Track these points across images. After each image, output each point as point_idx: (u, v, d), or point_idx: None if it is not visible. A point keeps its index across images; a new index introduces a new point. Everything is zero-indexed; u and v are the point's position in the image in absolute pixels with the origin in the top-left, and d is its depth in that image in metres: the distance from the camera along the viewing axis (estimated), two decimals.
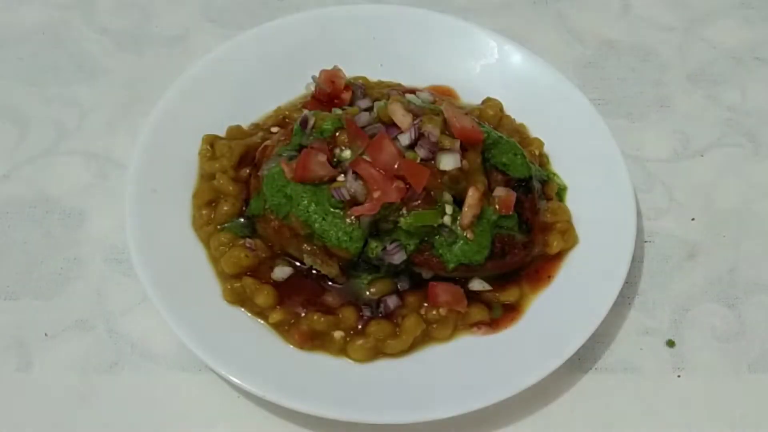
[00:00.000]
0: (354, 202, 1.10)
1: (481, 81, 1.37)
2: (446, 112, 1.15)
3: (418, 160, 1.11)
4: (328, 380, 1.08)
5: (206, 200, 1.21)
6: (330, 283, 1.16)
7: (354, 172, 1.11)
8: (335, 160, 1.14)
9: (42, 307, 1.19)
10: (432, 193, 1.11)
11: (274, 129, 1.29)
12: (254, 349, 1.10)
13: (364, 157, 1.11)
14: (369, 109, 1.20)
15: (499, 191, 1.16)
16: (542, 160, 1.30)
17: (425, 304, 1.14)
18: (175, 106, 1.27)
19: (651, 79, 1.50)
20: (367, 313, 1.14)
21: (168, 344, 1.16)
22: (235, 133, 1.28)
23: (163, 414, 1.11)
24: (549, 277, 1.20)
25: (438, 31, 1.40)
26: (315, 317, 1.12)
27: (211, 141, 1.25)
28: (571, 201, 1.26)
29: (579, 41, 1.56)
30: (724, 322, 1.22)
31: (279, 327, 1.13)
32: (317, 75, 1.26)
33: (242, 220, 1.20)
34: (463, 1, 1.59)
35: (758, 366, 1.19)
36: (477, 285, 1.17)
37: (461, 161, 1.12)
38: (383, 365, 1.11)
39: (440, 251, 1.12)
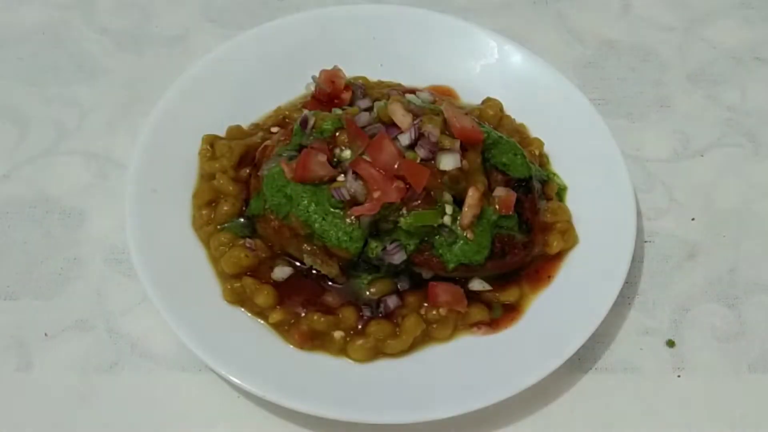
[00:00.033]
0: (354, 202, 1.10)
1: (481, 81, 1.37)
2: (446, 112, 1.15)
3: (418, 160, 1.11)
4: (328, 380, 1.08)
5: (206, 200, 1.21)
6: (330, 283, 1.16)
7: (354, 172, 1.11)
8: (335, 160, 1.14)
9: (42, 307, 1.19)
10: (432, 193, 1.11)
11: (274, 129, 1.29)
12: (254, 349, 1.10)
13: (364, 157, 1.11)
14: (369, 109, 1.20)
15: (499, 191, 1.16)
16: (542, 160, 1.30)
17: (425, 304, 1.14)
18: (175, 106, 1.27)
19: (651, 79, 1.50)
20: (367, 313, 1.14)
21: (168, 344, 1.16)
22: (235, 133, 1.28)
23: (163, 414, 1.11)
24: (549, 277, 1.20)
25: (438, 31, 1.40)
26: (315, 317, 1.12)
27: (211, 141, 1.25)
28: (571, 201, 1.26)
29: (579, 41, 1.56)
30: (724, 322, 1.22)
31: (279, 327, 1.13)
32: (317, 75, 1.26)
33: (242, 220, 1.20)
34: (463, 1, 1.59)
35: (758, 366, 1.19)
36: (477, 285, 1.17)
37: (461, 161, 1.12)
38: (383, 365, 1.11)
39: (440, 251, 1.12)
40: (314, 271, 1.16)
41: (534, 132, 1.33)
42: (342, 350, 1.12)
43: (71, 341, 1.16)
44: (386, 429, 1.08)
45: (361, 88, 1.27)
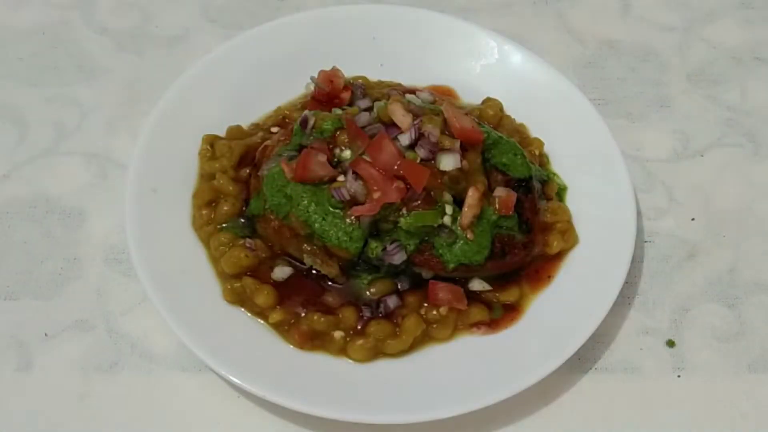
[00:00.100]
0: (354, 202, 1.10)
1: (481, 81, 1.37)
2: (446, 112, 1.15)
3: (418, 161, 1.11)
4: (328, 380, 1.08)
5: (206, 200, 1.21)
6: (330, 283, 1.16)
7: (354, 172, 1.11)
8: (335, 160, 1.14)
9: (42, 307, 1.19)
10: (432, 193, 1.11)
11: (274, 129, 1.29)
12: (254, 349, 1.10)
13: (364, 157, 1.11)
14: (369, 109, 1.20)
15: (499, 191, 1.16)
16: (542, 160, 1.30)
17: (425, 304, 1.14)
18: (175, 106, 1.27)
19: (651, 79, 1.50)
20: (367, 313, 1.14)
21: (168, 344, 1.16)
22: (235, 133, 1.28)
23: (163, 414, 1.11)
24: (549, 277, 1.20)
25: (438, 31, 1.40)
26: (315, 317, 1.12)
27: (211, 141, 1.25)
28: (571, 201, 1.26)
29: (579, 41, 1.55)
30: (724, 322, 1.22)
31: (279, 327, 1.13)
32: (316, 76, 1.26)
33: (242, 220, 1.20)
34: (463, 1, 1.59)
35: (758, 366, 1.19)
36: (477, 285, 1.17)
37: (461, 161, 1.12)
38: (383, 365, 1.11)
39: (440, 251, 1.12)
40: (314, 271, 1.16)
41: (534, 132, 1.33)
42: (342, 350, 1.12)
43: (71, 341, 1.16)
44: (386, 429, 1.08)
45: (361, 88, 1.27)
